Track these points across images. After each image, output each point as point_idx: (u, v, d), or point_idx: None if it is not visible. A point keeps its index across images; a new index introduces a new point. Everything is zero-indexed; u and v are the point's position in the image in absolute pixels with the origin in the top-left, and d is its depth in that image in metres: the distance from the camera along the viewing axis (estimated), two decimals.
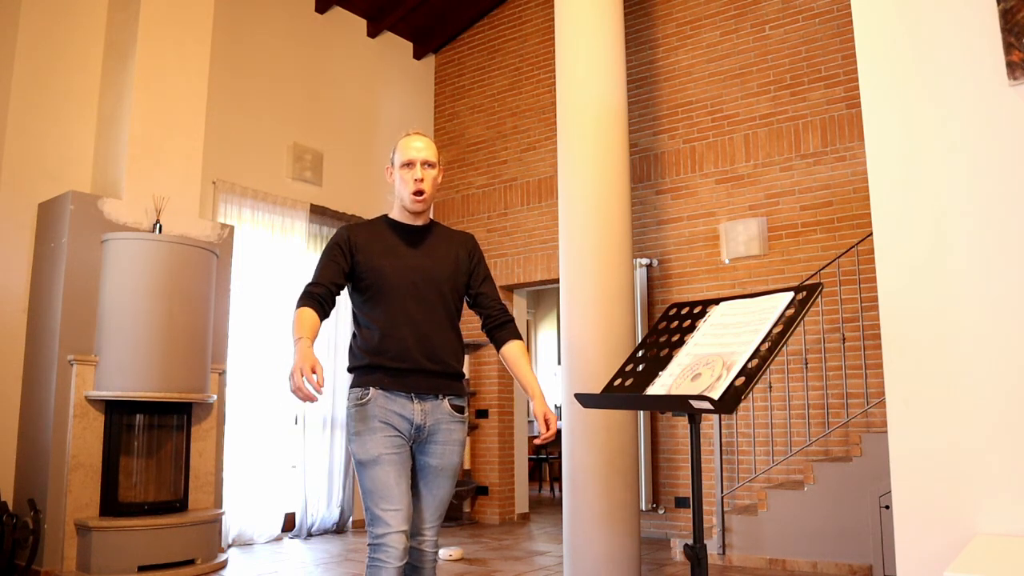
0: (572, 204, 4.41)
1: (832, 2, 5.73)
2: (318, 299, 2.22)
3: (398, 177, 2.32)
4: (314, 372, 1.96)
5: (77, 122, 5.07)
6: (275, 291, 5.82)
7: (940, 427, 1.91)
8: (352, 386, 2.25)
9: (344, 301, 2.32)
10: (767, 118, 5.90)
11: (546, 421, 2.21)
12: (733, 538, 4.92)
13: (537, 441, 2.23)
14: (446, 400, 2.27)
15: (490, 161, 7.36)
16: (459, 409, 2.31)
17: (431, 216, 2.43)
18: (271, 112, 6.23)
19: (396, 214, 2.38)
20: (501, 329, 2.42)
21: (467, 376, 7.01)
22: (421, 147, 2.31)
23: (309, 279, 2.30)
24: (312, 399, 1.98)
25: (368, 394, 2.19)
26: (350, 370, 2.29)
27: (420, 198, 2.30)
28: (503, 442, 6.95)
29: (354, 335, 2.32)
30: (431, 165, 2.32)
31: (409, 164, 2.30)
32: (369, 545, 2.11)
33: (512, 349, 2.39)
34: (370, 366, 2.22)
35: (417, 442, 2.25)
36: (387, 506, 2.10)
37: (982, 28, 1.95)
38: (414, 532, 2.23)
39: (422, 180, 2.29)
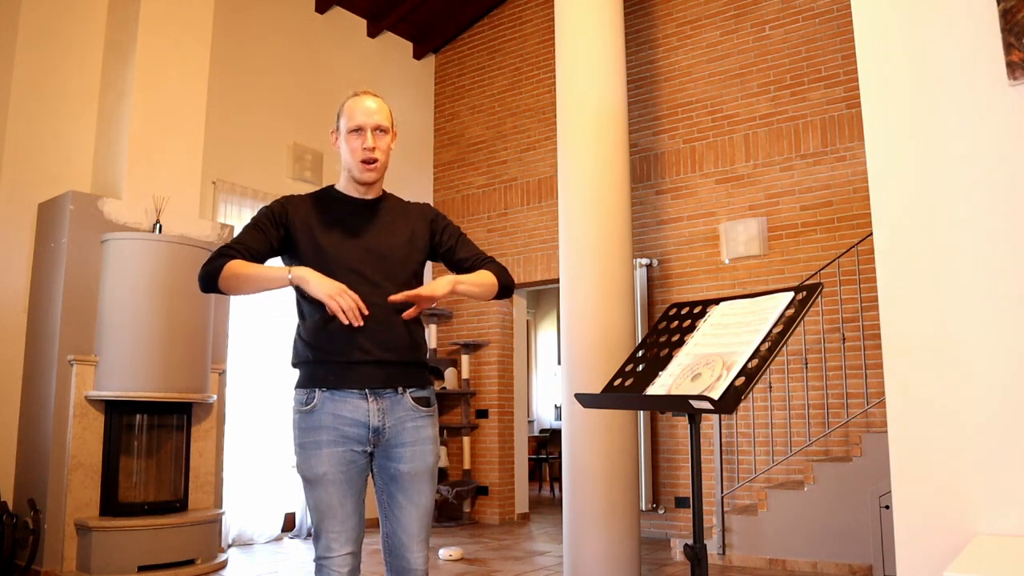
0: (572, 204, 4.41)
1: (832, 2, 5.73)
2: (239, 255, 1.94)
3: (344, 144, 2.03)
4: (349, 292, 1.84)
5: (77, 122, 5.07)
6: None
7: (940, 427, 1.91)
8: (296, 386, 1.99)
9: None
10: (767, 118, 5.90)
11: (410, 295, 1.90)
12: (733, 538, 4.92)
13: (396, 299, 1.92)
14: (407, 394, 1.98)
15: (490, 161, 7.36)
16: (423, 402, 2.01)
17: (383, 188, 2.13)
18: (271, 112, 6.23)
19: (343, 185, 2.09)
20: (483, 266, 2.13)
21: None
22: (373, 108, 2.01)
23: (225, 243, 2.00)
24: (360, 319, 1.83)
25: (314, 398, 1.92)
26: (294, 365, 2.02)
27: (371, 166, 2.01)
28: (503, 442, 6.95)
29: (297, 327, 2.04)
30: (384, 131, 2.02)
31: (359, 129, 2.00)
32: (316, 563, 1.93)
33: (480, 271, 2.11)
34: (314, 361, 1.94)
35: (379, 446, 1.96)
36: (331, 527, 1.89)
37: (982, 28, 1.95)
38: (400, 550, 1.96)
39: (374, 148, 2.00)
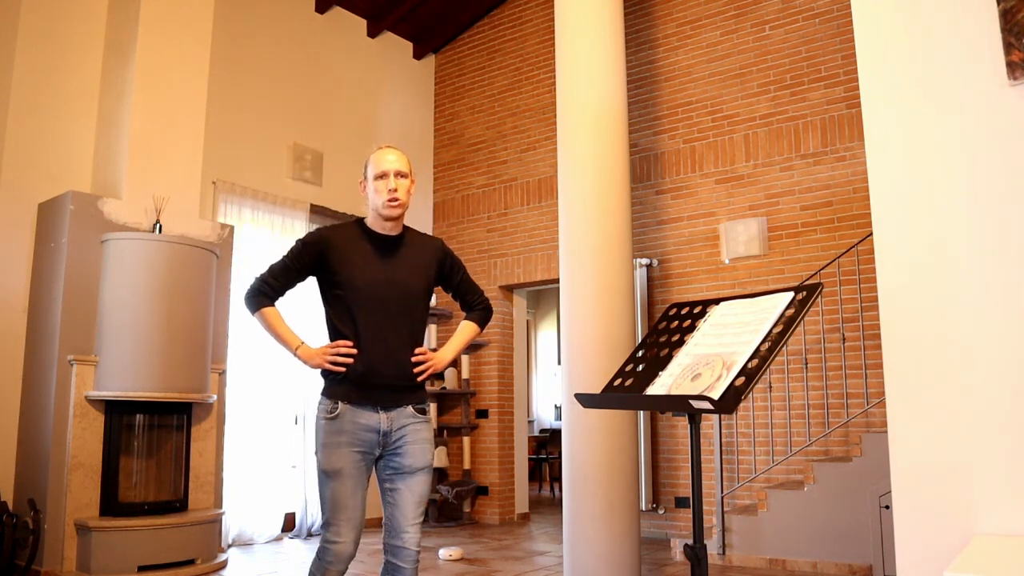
0: (572, 204, 4.41)
1: (832, 2, 5.73)
2: (271, 298, 2.43)
3: (371, 188, 2.40)
4: (331, 350, 2.31)
5: (77, 122, 5.07)
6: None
7: (940, 427, 1.91)
8: (323, 394, 2.37)
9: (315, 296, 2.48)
10: (767, 118, 5.90)
11: (428, 361, 2.41)
12: (733, 538, 4.92)
13: (418, 359, 2.40)
14: (409, 406, 2.38)
15: (490, 161, 7.36)
16: (421, 411, 2.41)
17: (403, 224, 2.49)
18: (271, 112, 6.23)
19: (371, 222, 2.44)
20: (470, 311, 2.66)
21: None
22: (393, 159, 2.40)
23: (267, 269, 2.44)
24: (349, 360, 2.29)
25: (338, 408, 2.31)
26: (324, 377, 2.39)
27: (395, 204, 2.37)
28: (503, 442, 6.95)
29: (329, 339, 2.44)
30: (404, 175, 2.40)
31: (383, 175, 2.38)
32: (321, 543, 2.32)
33: (463, 323, 2.65)
34: (341, 379, 2.33)
35: (387, 447, 2.35)
36: (342, 516, 2.28)
37: (982, 28, 1.95)
38: (397, 531, 2.30)
39: (396, 189, 2.37)
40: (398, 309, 2.36)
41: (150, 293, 4.59)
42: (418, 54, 7.69)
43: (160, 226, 4.84)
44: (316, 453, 2.34)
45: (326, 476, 2.29)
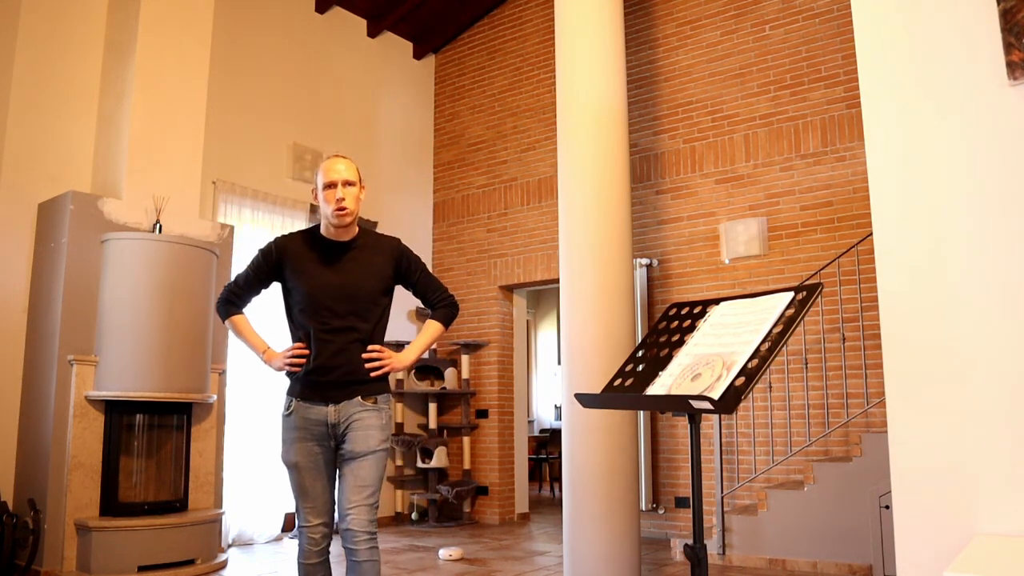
0: (572, 204, 4.41)
1: (832, 2, 5.73)
2: (238, 306, 2.62)
3: (322, 198, 2.50)
4: (288, 352, 2.49)
5: (77, 122, 5.07)
6: (275, 291, 5.81)
7: (940, 427, 1.91)
8: (286, 392, 2.55)
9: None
10: (767, 118, 5.90)
11: (383, 359, 2.50)
12: (733, 538, 4.92)
13: (370, 356, 2.50)
14: (358, 397, 2.49)
15: (490, 161, 7.36)
16: (373, 400, 2.50)
17: (357, 229, 2.58)
18: (271, 112, 6.23)
19: (324, 229, 2.56)
20: (434, 310, 2.71)
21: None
22: (342, 168, 2.50)
23: (233, 279, 2.65)
24: (302, 360, 2.46)
25: (291, 405, 2.50)
26: (287, 375, 2.57)
27: (343, 212, 2.46)
28: (503, 442, 6.95)
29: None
30: (351, 184, 2.50)
31: (331, 185, 2.48)
32: (297, 530, 2.53)
33: (427, 322, 2.71)
34: (294, 377, 2.51)
35: (336, 438, 2.49)
36: (304, 503, 2.48)
37: (982, 28, 1.95)
38: (343, 513, 2.41)
39: (343, 199, 2.46)
40: (348, 311, 2.48)
41: (150, 293, 4.59)
42: (418, 54, 7.69)
43: (160, 226, 4.84)
44: (281, 449, 2.54)
45: (287, 469, 2.50)
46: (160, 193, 4.94)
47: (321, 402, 2.47)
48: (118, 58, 5.09)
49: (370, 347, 2.50)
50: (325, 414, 2.46)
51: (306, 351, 2.47)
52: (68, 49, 5.07)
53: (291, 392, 2.52)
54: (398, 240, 2.65)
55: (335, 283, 2.49)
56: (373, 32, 7.20)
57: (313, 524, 2.47)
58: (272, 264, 2.56)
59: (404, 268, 2.63)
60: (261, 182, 6.05)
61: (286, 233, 2.66)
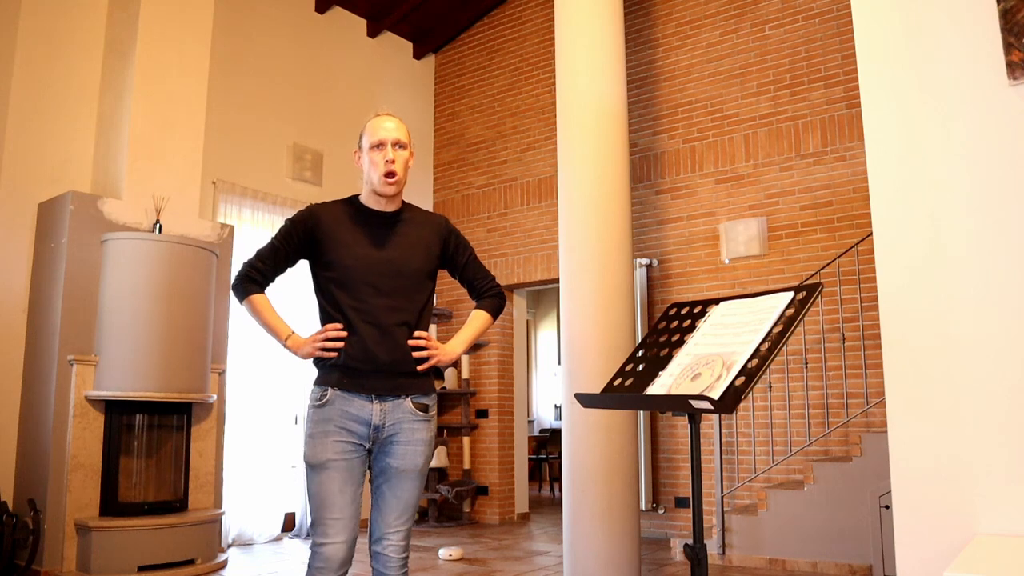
0: (572, 204, 4.41)
1: (832, 2, 5.73)
2: (260, 284, 2.24)
3: (367, 160, 2.18)
4: (320, 336, 2.12)
5: (77, 122, 5.07)
6: (275, 291, 5.81)
7: (940, 427, 1.91)
8: (315, 382, 2.18)
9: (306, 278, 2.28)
10: (767, 118, 5.90)
11: (431, 349, 2.18)
12: (733, 538, 4.92)
13: (417, 344, 2.18)
14: (408, 399, 2.16)
15: (490, 161, 7.36)
16: (422, 408, 2.18)
17: (403, 199, 2.28)
18: (271, 112, 6.23)
19: (365, 198, 2.23)
20: (480, 300, 2.39)
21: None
22: (392, 127, 2.17)
23: (254, 253, 2.25)
24: (339, 344, 2.10)
25: (327, 395, 2.11)
26: (315, 364, 2.21)
27: (392, 179, 2.15)
28: (503, 442, 6.95)
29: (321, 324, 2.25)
30: (403, 146, 2.18)
31: (380, 145, 2.15)
32: (310, 549, 2.09)
33: (473, 312, 2.38)
34: (331, 364, 2.14)
35: (377, 443, 2.14)
36: (329, 515, 2.05)
37: (982, 28, 1.95)
38: (378, 536, 2.13)
39: (393, 161, 2.14)
40: (393, 290, 2.14)
41: (150, 293, 4.59)
42: (418, 54, 7.69)
43: (160, 226, 4.84)
44: (304, 445, 2.13)
45: (312, 470, 2.09)
46: (160, 193, 4.94)
47: (364, 394, 2.11)
48: (118, 58, 5.09)
49: (416, 333, 2.16)
50: (369, 411, 2.10)
51: (343, 333, 2.10)
52: (68, 49, 5.07)
53: (325, 381, 2.13)
54: (446, 218, 2.34)
55: (381, 258, 2.15)
56: (373, 32, 7.20)
57: (334, 541, 2.04)
58: (304, 234, 2.17)
59: (452, 249, 2.31)
60: (261, 182, 6.05)
61: (317, 203, 2.28)
